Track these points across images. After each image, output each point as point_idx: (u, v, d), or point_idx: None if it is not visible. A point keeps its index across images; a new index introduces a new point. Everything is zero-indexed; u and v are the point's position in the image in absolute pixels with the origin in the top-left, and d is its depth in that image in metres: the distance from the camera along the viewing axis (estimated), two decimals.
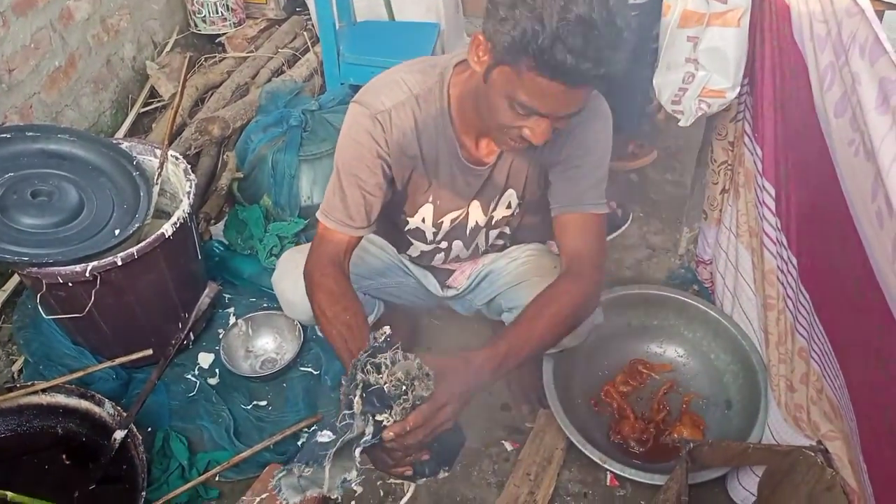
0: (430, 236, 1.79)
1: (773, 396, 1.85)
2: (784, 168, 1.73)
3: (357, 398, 1.23)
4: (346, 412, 1.23)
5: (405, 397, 1.23)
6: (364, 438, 1.22)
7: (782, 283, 1.76)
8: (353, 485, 1.24)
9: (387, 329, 1.29)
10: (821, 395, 1.63)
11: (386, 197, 1.64)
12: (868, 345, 1.35)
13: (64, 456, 1.99)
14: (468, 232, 1.79)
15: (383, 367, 1.23)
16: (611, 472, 1.95)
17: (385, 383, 1.23)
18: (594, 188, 1.63)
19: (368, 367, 1.24)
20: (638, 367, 2.18)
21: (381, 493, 1.99)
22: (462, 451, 1.44)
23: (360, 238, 1.65)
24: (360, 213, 1.59)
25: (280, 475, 1.22)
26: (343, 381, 1.28)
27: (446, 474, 1.41)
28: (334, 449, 1.20)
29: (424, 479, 1.40)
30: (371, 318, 2.09)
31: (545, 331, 1.53)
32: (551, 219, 1.68)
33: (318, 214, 1.63)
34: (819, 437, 1.64)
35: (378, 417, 1.23)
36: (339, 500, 1.38)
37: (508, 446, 2.10)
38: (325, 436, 1.23)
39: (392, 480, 2.01)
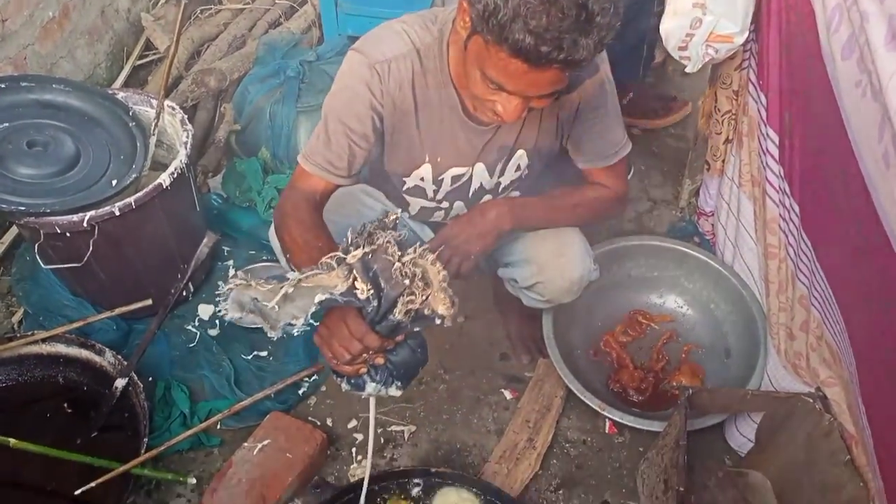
0: (430, 193, 1.77)
1: (772, 345, 1.85)
2: (788, 115, 1.71)
3: (358, 255, 1.16)
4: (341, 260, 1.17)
5: (407, 281, 1.16)
6: (334, 296, 1.16)
7: (784, 232, 1.75)
8: (294, 331, 1.20)
9: (398, 211, 1.28)
10: (820, 342, 1.64)
11: (372, 152, 1.61)
12: (870, 288, 1.35)
13: (66, 405, 2.00)
14: (471, 194, 1.77)
15: (393, 245, 1.17)
16: (610, 419, 1.97)
17: (393, 262, 1.16)
18: (616, 132, 1.68)
19: (385, 236, 1.17)
20: (637, 317, 2.18)
21: (383, 440, 2.01)
22: (419, 373, 1.37)
23: (337, 188, 1.61)
24: (342, 160, 1.56)
25: (236, 283, 1.16)
26: (348, 235, 1.21)
27: (398, 393, 1.33)
28: (297, 286, 1.14)
29: (373, 391, 1.32)
30: None
31: (565, 205, 1.73)
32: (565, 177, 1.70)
33: (298, 157, 1.60)
34: (818, 384, 1.65)
35: (359, 287, 1.16)
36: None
37: (508, 395, 2.11)
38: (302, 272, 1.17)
39: (393, 427, 2.03)
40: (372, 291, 1.17)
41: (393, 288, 1.17)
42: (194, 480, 1.88)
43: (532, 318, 2.13)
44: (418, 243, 1.22)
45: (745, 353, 2.00)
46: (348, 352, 1.25)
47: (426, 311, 1.20)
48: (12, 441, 1.74)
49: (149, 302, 1.97)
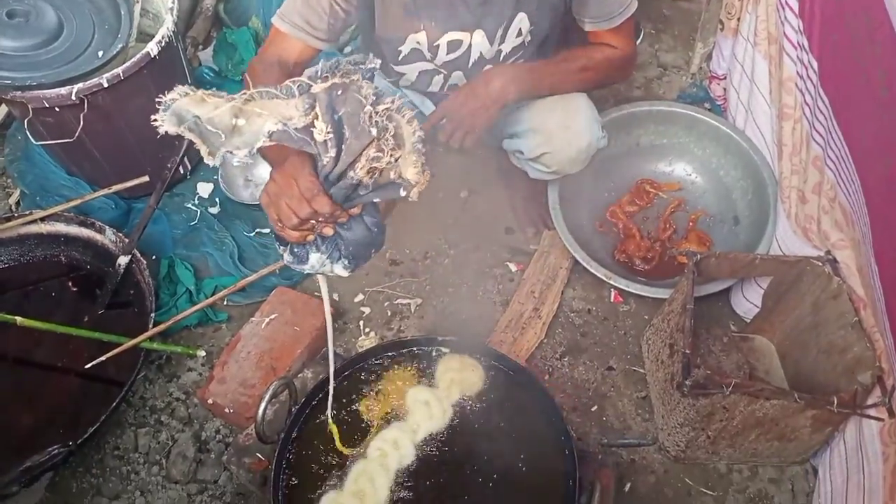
0: (427, 55, 1.68)
1: (782, 210, 1.82)
2: None
3: (325, 86, 1.00)
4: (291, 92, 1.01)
5: (374, 131, 1.01)
6: (287, 129, 1.01)
7: (801, 90, 1.68)
8: (234, 161, 1.02)
9: (378, 61, 1.08)
10: (833, 204, 1.60)
11: (357, 16, 1.51)
12: (890, 142, 1.29)
13: (70, 284, 2.00)
14: (470, 64, 1.68)
15: (368, 87, 1.01)
16: (615, 287, 1.96)
17: (364, 105, 1.00)
18: None
19: (355, 73, 1.00)
20: (645, 186, 2.14)
21: (389, 314, 2.02)
22: (368, 258, 1.21)
23: (316, 53, 1.52)
24: (321, 21, 1.46)
25: (181, 93, 1.02)
26: (319, 66, 1.04)
27: (344, 273, 1.18)
28: (248, 109, 1.01)
29: (316, 264, 1.18)
30: None
31: (572, 69, 1.66)
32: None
33: (273, 18, 1.50)
34: (828, 247, 1.62)
35: (318, 126, 1.01)
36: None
37: (513, 267, 2.10)
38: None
39: (399, 300, 2.03)
40: (332, 136, 1.01)
41: (358, 137, 1.02)
42: (204, 353, 1.90)
43: (537, 190, 2.09)
44: (398, 95, 1.08)
45: (754, 220, 1.97)
46: (296, 214, 1.11)
47: (392, 175, 1.06)
48: (18, 319, 1.74)
49: (145, 178, 1.93)
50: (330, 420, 1.47)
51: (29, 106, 1.84)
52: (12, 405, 1.80)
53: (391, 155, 1.04)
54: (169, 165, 1.80)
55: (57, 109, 1.85)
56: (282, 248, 1.21)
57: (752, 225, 1.97)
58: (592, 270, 1.90)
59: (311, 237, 1.16)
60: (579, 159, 1.76)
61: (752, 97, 1.97)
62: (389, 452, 1.44)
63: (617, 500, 1.64)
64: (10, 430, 1.75)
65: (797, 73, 1.69)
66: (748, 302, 1.88)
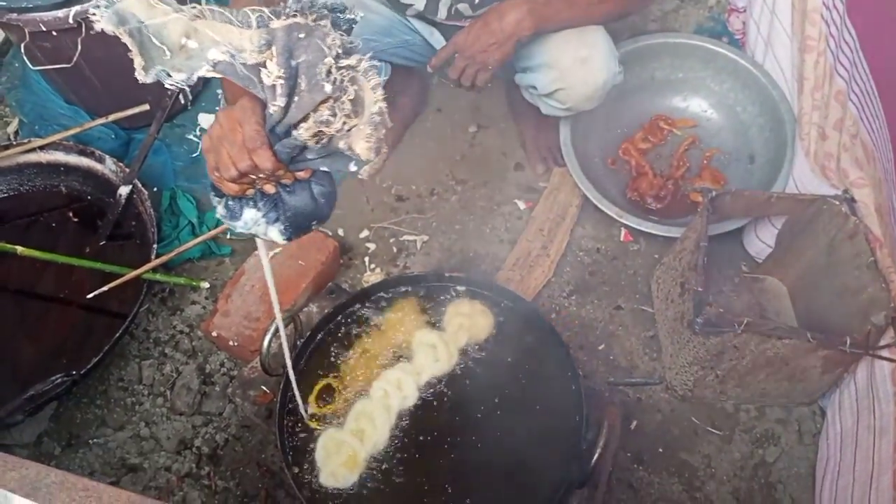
0: None
1: (800, 147, 1.76)
2: None
3: (287, 23, 0.86)
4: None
5: (329, 88, 0.86)
6: (235, 61, 0.87)
7: (826, 21, 1.61)
8: (167, 83, 0.88)
9: (361, 14, 0.93)
10: (854, 141, 1.55)
11: None
12: None
13: (71, 214, 1.97)
14: None
15: (336, 38, 0.86)
16: (626, 226, 1.93)
17: (327, 55, 0.85)
18: None
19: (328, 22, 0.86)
20: (659, 123, 2.08)
21: (395, 250, 1.99)
22: (308, 229, 1.06)
23: None
24: None
25: None
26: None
27: (279, 238, 1.05)
28: (198, 26, 0.86)
29: (250, 221, 1.04)
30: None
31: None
32: None
33: None
34: (847, 186, 1.58)
35: (270, 68, 0.86)
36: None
37: (521, 205, 2.06)
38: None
39: (405, 237, 2.00)
40: (283, 83, 0.88)
41: (311, 91, 0.88)
42: (207, 285, 1.88)
43: (548, 126, 2.04)
44: (369, 55, 0.91)
45: (771, 158, 1.91)
46: (235, 166, 0.97)
47: (341, 145, 0.92)
48: (19, 249, 1.72)
49: (146, 106, 1.88)
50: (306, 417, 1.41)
51: (25, 30, 1.78)
52: (15, 336, 1.79)
53: (344, 122, 0.89)
54: (169, 93, 1.75)
55: (54, 33, 1.79)
56: (216, 199, 1.07)
57: (767, 163, 1.92)
58: (603, 208, 1.86)
59: (250, 191, 1.03)
60: (595, 96, 1.70)
61: (772, 30, 1.89)
62: (392, 393, 1.41)
63: (623, 438, 1.64)
64: (14, 362, 1.75)
65: (822, 2, 1.62)
66: (761, 242, 1.85)
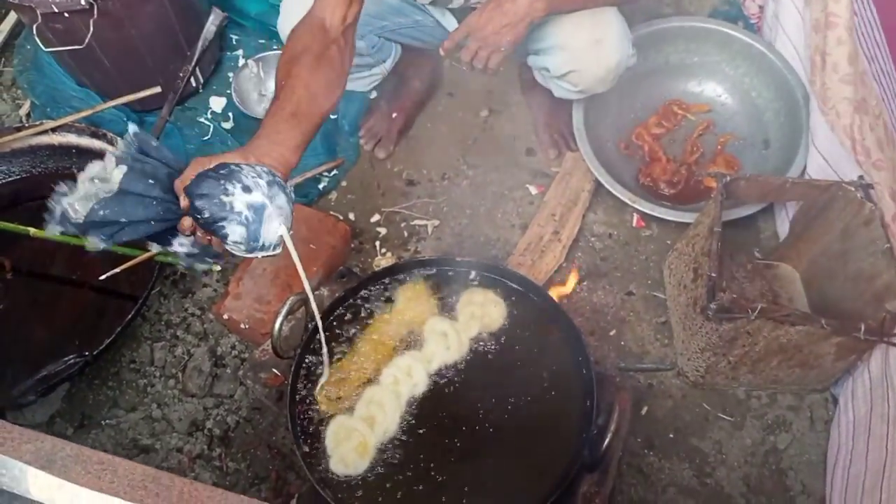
0: None
1: (825, 123, 1.71)
2: None
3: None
4: None
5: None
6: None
7: None
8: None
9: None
10: (877, 121, 1.52)
11: None
12: None
13: None
14: None
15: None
16: (639, 212, 1.91)
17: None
18: None
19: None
20: (673, 107, 2.06)
21: (406, 234, 1.99)
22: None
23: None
24: None
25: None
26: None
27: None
28: None
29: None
30: (389, 63, 1.96)
31: None
32: None
33: None
34: (869, 165, 1.55)
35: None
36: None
37: (533, 190, 2.05)
38: None
39: (416, 221, 2.00)
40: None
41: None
42: (219, 268, 1.88)
43: (561, 110, 2.02)
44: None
45: (785, 144, 1.89)
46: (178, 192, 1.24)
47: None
48: (32, 230, 1.72)
49: (157, 89, 1.88)
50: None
51: (37, 11, 1.78)
52: (28, 318, 1.80)
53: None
54: (181, 75, 1.75)
55: (66, 15, 1.79)
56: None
57: (782, 149, 1.90)
58: (616, 194, 1.85)
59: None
60: (608, 79, 1.69)
61: (780, 6, 1.85)
62: (402, 380, 1.41)
63: (634, 424, 1.64)
64: (27, 343, 1.76)
65: None
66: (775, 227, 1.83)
